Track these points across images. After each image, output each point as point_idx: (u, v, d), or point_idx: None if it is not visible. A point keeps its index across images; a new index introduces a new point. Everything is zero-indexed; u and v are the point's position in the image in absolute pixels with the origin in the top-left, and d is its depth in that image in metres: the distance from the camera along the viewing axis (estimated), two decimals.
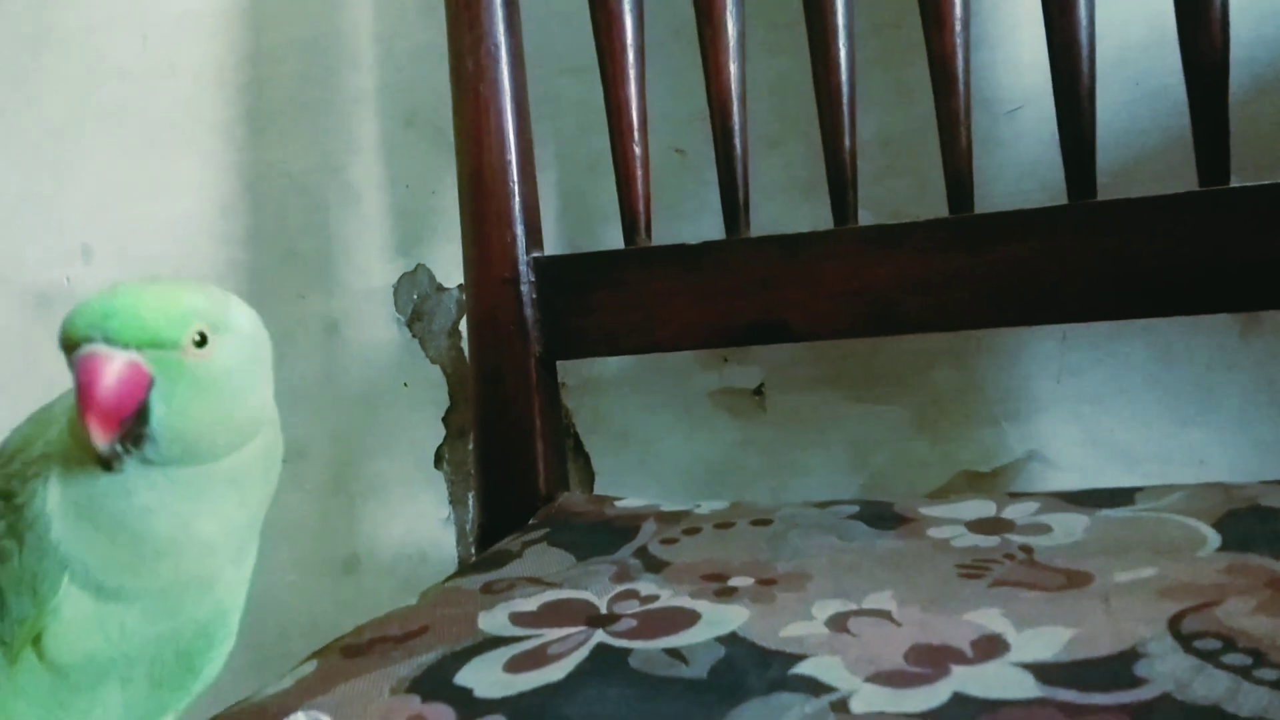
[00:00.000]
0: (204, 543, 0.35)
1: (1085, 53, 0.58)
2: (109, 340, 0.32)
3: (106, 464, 0.32)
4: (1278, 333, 0.67)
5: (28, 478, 0.35)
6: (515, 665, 0.42)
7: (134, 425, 0.32)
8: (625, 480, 0.79)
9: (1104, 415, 0.70)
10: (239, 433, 0.34)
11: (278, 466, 0.38)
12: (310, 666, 0.45)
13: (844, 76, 0.62)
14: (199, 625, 0.36)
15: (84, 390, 0.32)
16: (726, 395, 0.78)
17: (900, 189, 0.71)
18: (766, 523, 0.56)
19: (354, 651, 0.45)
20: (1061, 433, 0.71)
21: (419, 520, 0.85)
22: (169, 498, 0.34)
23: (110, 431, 0.32)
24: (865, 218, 0.63)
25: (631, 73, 0.66)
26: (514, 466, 0.67)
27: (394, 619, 0.49)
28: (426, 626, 0.46)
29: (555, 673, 0.41)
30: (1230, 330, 0.68)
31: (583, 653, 0.42)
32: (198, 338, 0.33)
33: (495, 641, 0.44)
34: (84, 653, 0.35)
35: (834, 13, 0.62)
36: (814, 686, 0.37)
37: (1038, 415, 0.72)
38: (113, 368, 0.32)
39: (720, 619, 0.44)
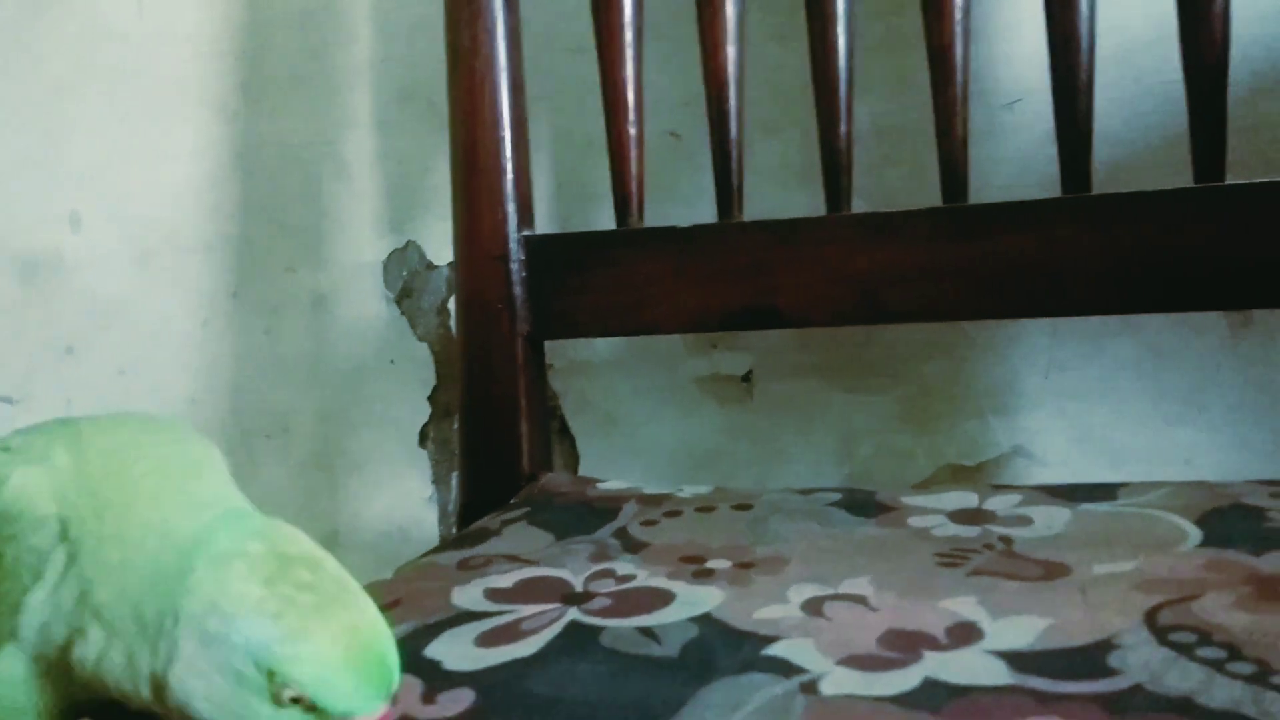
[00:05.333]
0: None
1: (1085, 45, 0.58)
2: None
3: None
4: (1268, 334, 0.67)
5: None
6: (486, 640, 0.41)
7: None
8: (611, 464, 0.79)
9: (1091, 412, 0.70)
10: None
11: None
12: None
13: (842, 62, 0.62)
14: None
15: None
16: (714, 381, 0.77)
17: (896, 179, 0.71)
18: (748, 507, 0.55)
19: None
20: (1048, 428, 0.71)
21: (401, 498, 0.85)
22: None
23: None
24: (860, 207, 0.63)
25: (629, 53, 0.65)
26: (497, 445, 0.67)
27: (367, 592, 0.48)
28: (399, 600, 0.46)
29: (526, 648, 0.40)
30: (1220, 330, 0.68)
31: (555, 629, 0.42)
32: None
33: (467, 616, 0.44)
34: None
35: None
36: (785, 668, 0.37)
37: (1025, 410, 0.71)
38: None
39: (695, 600, 0.43)
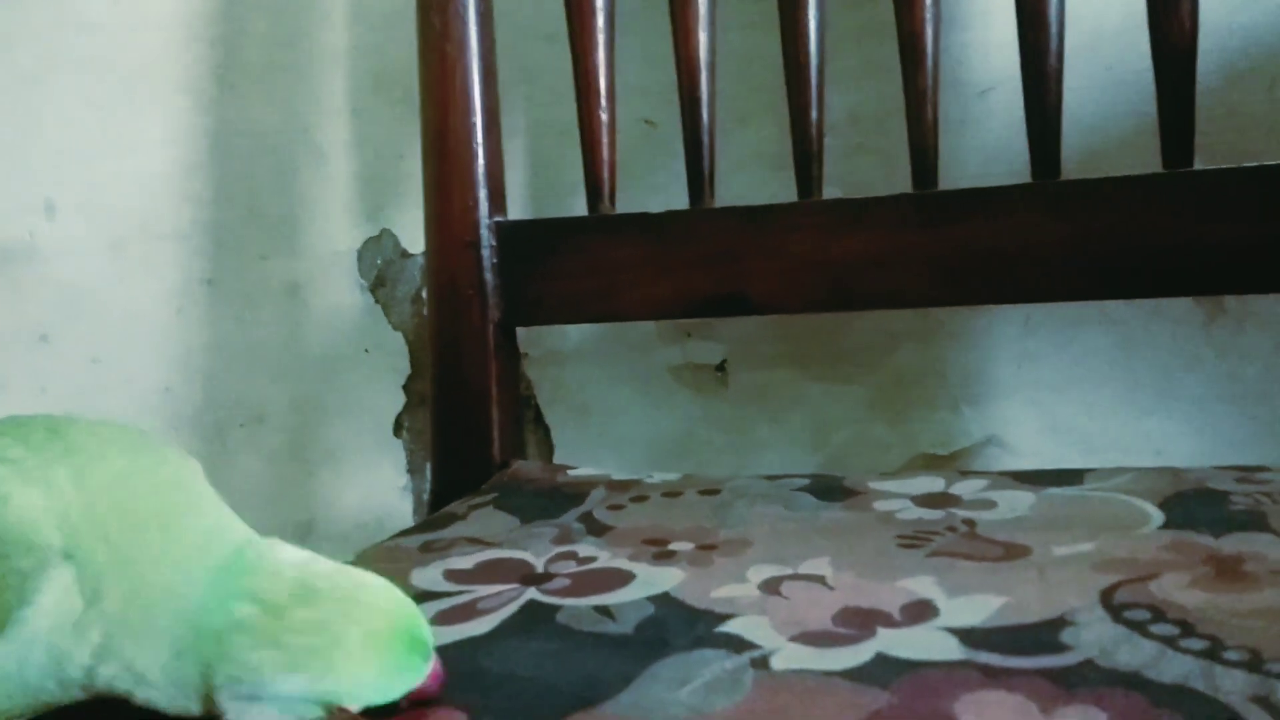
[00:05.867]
0: None
1: (1054, 31, 0.58)
2: None
3: None
4: (1240, 324, 0.67)
5: None
6: (442, 619, 0.41)
7: None
8: (585, 453, 0.79)
9: (1063, 402, 0.70)
10: None
11: None
12: None
13: (813, 48, 0.62)
14: None
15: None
16: (689, 370, 0.77)
17: (869, 167, 0.71)
18: (715, 493, 0.55)
19: None
20: (1020, 418, 0.71)
21: (376, 488, 0.84)
22: None
23: None
24: (833, 195, 0.62)
25: (600, 38, 0.65)
26: (469, 433, 0.67)
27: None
28: None
29: (481, 626, 0.40)
30: (1193, 321, 0.68)
31: (511, 608, 0.42)
32: None
33: (425, 596, 0.44)
34: None
35: None
36: (737, 644, 0.36)
37: (997, 400, 0.71)
38: None
39: (654, 580, 0.43)
